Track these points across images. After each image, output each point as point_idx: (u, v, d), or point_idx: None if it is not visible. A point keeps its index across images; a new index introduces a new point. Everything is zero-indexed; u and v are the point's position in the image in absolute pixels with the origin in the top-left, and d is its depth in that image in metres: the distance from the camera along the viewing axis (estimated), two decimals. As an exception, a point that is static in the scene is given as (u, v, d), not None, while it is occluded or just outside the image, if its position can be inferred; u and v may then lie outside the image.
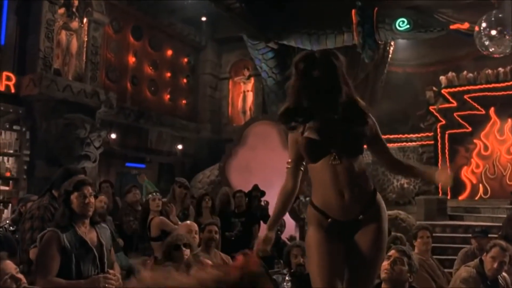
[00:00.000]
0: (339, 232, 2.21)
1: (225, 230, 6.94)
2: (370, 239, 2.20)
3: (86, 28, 8.96)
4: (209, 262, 4.05)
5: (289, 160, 2.34)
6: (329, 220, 2.20)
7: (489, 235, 7.91)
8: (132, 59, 10.90)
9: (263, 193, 7.64)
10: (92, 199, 3.14)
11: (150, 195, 5.17)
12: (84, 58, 8.91)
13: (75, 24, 8.71)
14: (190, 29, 12.58)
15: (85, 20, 8.90)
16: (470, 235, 9.02)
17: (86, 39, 8.95)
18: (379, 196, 2.30)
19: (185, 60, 12.83)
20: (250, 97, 13.47)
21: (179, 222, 5.02)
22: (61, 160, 7.74)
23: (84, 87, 8.46)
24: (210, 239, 4.59)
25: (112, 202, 7.05)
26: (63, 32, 8.84)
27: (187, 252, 3.59)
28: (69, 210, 3.07)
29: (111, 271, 3.09)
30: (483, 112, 11.52)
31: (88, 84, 8.74)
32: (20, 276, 2.62)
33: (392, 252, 2.97)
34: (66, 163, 7.88)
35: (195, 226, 4.29)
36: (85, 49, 8.92)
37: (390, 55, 11.94)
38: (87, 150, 8.03)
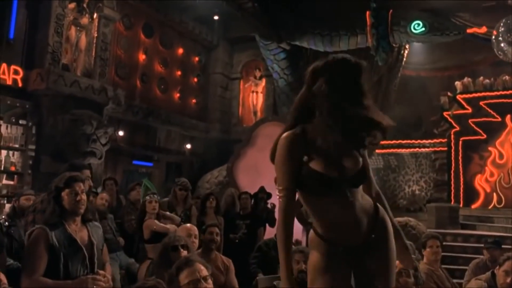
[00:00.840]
0: (348, 257, 2.01)
1: (229, 231, 6.82)
2: (381, 257, 2.02)
3: (96, 24, 8.89)
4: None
5: (281, 188, 1.99)
6: (339, 248, 2.01)
7: (503, 246, 7.69)
8: (142, 57, 10.82)
9: (269, 195, 7.48)
10: (84, 196, 3.01)
11: (147, 197, 5.04)
12: (93, 54, 8.83)
13: (85, 20, 8.64)
14: (202, 28, 12.48)
15: (95, 15, 8.81)
16: (482, 245, 8.82)
17: (96, 35, 8.87)
18: (382, 212, 2.11)
19: (196, 59, 12.73)
20: (260, 98, 13.34)
21: (173, 225, 4.86)
22: (66, 156, 7.64)
23: (92, 83, 8.38)
24: (211, 241, 4.46)
25: (116, 200, 6.96)
26: (73, 28, 8.78)
27: (184, 253, 3.44)
28: (59, 207, 2.95)
29: (101, 272, 2.96)
30: (499, 119, 11.28)
31: (97, 80, 8.66)
32: (1, 277, 2.49)
33: (397, 263, 2.78)
34: (71, 159, 7.77)
35: (195, 230, 4.14)
36: (94, 45, 8.85)
37: (404, 59, 11.72)
38: (93, 147, 7.94)
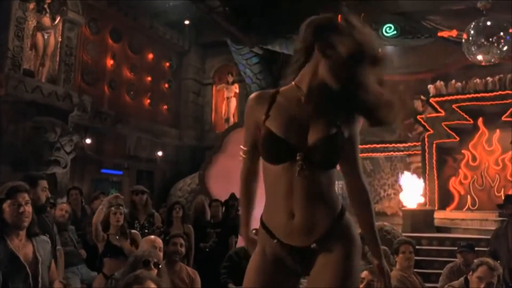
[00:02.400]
0: (289, 260, 1.70)
1: (200, 240, 6.60)
2: (330, 275, 1.62)
3: (60, 28, 8.58)
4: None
5: (245, 148, 1.82)
6: (275, 241, 1.69)
7: (476, 249, 7.63)
8: (110, 62, 10.51)
9: (241, 203, 7.26)
10: (28, 208, 2.76)
11: (112, 208, 4.77)
12: (57, 59, 8.50)
13: (46, 20, 8.31)
14: (173, 33, 12.24)
15: (58, 19, 8.51)
16: (457, 248, 8.84)
17: (60, 39, 8.56)
18: (347, 221, 1.73)
19: (167, 64, 12.47)
20: (233, 103, 13.15)
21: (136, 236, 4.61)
22: (28, 166, 7.32)
23: (56, 89, 8.07)
24: (175, 252, 4.22)
25: (80, 210, 6.66)
26: (39, 33, 8.48)
27: (154, 272, 3.17)
28: (0, 220, 2.68)
29: (46, 291, 2.70)
30: (471, 122, 11.35)
31: (61, 86, 8.34)
32: None
33: (364, 273, 2.61)
34: (33, 168, 7.48)
35: (160, 242, 3.88)
36: (59, 50, 8.53)
37: (377, 62, 11.63)
38: (57, 155, 7.62)
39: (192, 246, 6.39)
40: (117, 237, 4.67)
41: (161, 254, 3.77)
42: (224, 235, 6.72)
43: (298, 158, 1.61)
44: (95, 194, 6.27)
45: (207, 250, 6.57)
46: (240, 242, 6.87)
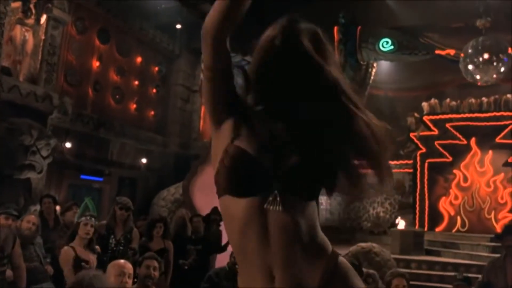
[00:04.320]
0: None
1: (179, 257, 6.25)
2: None
3: (44, 26, 8.17)
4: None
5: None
6: None
7: (468, 275, 7.32)
8: (96, 64, 10.09)
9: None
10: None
11: (83, 218, 4.38)
12: (39, 58, 8.09)
13: (31, 21, 7.90)
14: (163, 36, 11.88)
15: (43, 16, 8.10)
16: (448, 273, 8.55)
17: (43, 37, 8.15)
18: (344, 269, 1.28)
19: (156, 69, 12.08)
20: (223, 112, 12.79)
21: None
22: (1, 170, 6.89)
23: (35, 90, 7.64)
24: (148, 276, 3.84)
25: (53, 220, 6.23)
26: (18, 28, 8.05)
27: None
28: None
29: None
30: (465, 142, 11.23)
31: (41, 86, 7.92)
32: None
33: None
34: (6, 173, 7.05)
35: (129, 268, 3.47)
36: (41, 48, 8.11)
37: (372, 77, 11.45)
38: (32, 159, 7.18)
39: (170, 263, 6.05)
40: (85, 250, 4.30)
41: (129, 281, 3.38)
42: (204, 252, 6.38)
43: (275, 187, 1.20)
44: (67, 204, 5.84)
45: (186, 267, 6.23)
46: (220, 261, 6.52)
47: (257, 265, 1.21)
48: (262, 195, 1.20)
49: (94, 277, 2.91)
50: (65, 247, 4.22)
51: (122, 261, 3.58)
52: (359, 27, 10.13)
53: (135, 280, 3.91)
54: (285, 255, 1.19)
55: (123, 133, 10.55)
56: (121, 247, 5.35)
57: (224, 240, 6.54)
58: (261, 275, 1.20)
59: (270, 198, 1.19)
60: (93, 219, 4.52)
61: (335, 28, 10.12)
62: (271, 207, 1.19)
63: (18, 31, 7.99)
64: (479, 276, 7.19)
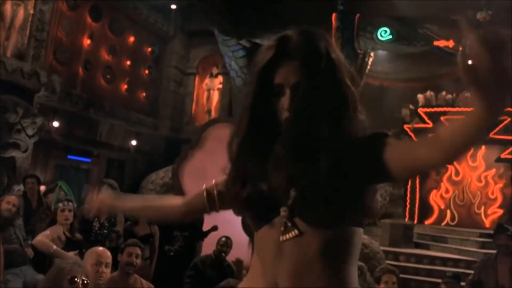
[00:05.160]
0: None
1: (165, 243, 6.15)
2: None
3: (33, 0, 7.89)
4: None
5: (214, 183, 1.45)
6: None
7: (456, 270, 7.28)
8: (87, 42, 9.82)
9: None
10: None
11: (60, 204, 4.23)
12: (27, 33, 7.82)
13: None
14: (158, 17, 11.59)
15: (32, -11, 7.83)
16: (436, 267, 8.53)
17: (32, 12, 7.87)
18: None
19: (149, 49, 11.82)
20: (216, 96, 12.58)
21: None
22: (-16, 147, 6.69)
23: (22, 66, 7.40)
24: (129, 264, 3.72)
25: (36, 201, 6.07)
26: (9, 3, 7.78)
27: None
28: None
29: None
30: (458, 136, 11.12)
31: (29, 63, 7.67)
32: None
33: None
34: (-11, 150, 6.86)
35: (107, 257, 3.32)
36: (29, 23, 7.84)
37: (368, 66, 11.28)
38: (17, 138, 6.98)
39: (156, 248, 5.97)
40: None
41: (108, 271, 3.23)
42: (191, 239, 6.28)
43: (282, 214, 1.13)
44: (50, 186, 5.68)
45: (172, 254, 6.13)
46: (206, 249, 6.41)
47: (264, 275, 1.17)
48: (272, 222, 1.16)
49: (74, 264, 2.77)
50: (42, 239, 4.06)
51: (100, 249, 3.43)
52: (358, 15, 9.93)
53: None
54: (293, 271, 1.12)
55: (113, 114, 10.33)
56: (105, 231, 5.26)
57: (206, 226, 6.41)
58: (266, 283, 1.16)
59: (282, 228, 1.12)
60: (70, 203, 4.37)
61: (333, 15, 9.91)
62: (284, 236, 1.12)
63: (8, 5, 7.72)
64: (467, 271, 7.18)
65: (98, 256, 3.26)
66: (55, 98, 8.22)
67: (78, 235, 4.47)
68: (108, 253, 3.36)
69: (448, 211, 11.37)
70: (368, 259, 7.31)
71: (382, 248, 8.40)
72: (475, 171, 11.32)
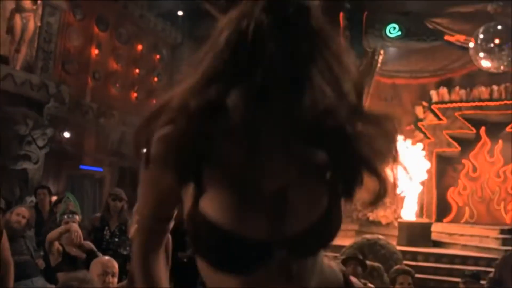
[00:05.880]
0: None
1: (178, 249, 6.08)
2: None
3: (40, 12, 7.95)
4: None
5: (137, 214, 1.12)
6: None
7: (476, 268, 7.09)
8: (94, 51, 9.86)
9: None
10: None
11: (64, 216, 4.21)
12: (35, 45, 7.88)
13: (26, 2, 7.67)
14: (165, 24, 11.61)
15: (39, 2, 7.88)
16: (455, 266, 8.33)
17: (39, 24, 7.93)
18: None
19: (157, 57, 11.84)
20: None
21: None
22: (-5, 160, 6.73)
23: (30, 78, 7.44)
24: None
25: (48, 213, 6.09)
26: (18, 16, 7.85)
27: None
28: None
29: None
30: (474, 131, 10.97)
31: (38, 75, 7.72)
32: None
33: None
34: (1, 163, 6.89)
35: (113, 266, 3.25)
36: (37, 35, 7.90)
37: (379, 64, 11.15)
38: (28, 149, 7.02)
39: (169, 256, 5.89)
40: (74, 249, 4.12)
41: (114, 280, 3.18)
42: (204, 245, 6.20)
43: (277, 256, 0.86)
44: (60, 196, 5.68)
45: (185, 260, 6.07)
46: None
47: None
48: (259, 268, 0.85)
49: (83, 281, 2.72)
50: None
51: (105, 258, 3.38)
52: (365, 13, 9.82)
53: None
54: None
55: (124, 122, 10.34)
56: (116, 239, 5.23)
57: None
58: None
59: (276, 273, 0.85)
60: (76, 216, 4.36)
61: (341, 14, 9.81)
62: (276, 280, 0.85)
63: (17, 18, 7.78)
64: (488, 269, 6.98)
65: (104, 266, 3.21)
66: (65, 109, 8.26)
67: (87, 244, 4.44)
68: (114, 262, 3.31)
69: (467, 208, 11.17)
70: (384, 260, 7.16)
71: (399, 248, 8.25)
72: (493, 166, 11.12)
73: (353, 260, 4.15)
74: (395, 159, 0.92)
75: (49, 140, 7.46)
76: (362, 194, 0.92)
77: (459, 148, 11.03)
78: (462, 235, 9.73)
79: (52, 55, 8.13)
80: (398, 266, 4.64)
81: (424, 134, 11.27)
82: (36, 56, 7.87)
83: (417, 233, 9.49)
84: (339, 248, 6.73)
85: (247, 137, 0.85)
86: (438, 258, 8.70)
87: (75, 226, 4.12)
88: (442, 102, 11.04)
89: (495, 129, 10.78)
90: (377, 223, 11.94)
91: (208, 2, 10.16)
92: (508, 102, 10.49)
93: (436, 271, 8.25)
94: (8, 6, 7.62)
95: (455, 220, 10.94)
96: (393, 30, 9.61)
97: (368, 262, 4.87)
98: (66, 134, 8.69)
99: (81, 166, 9.35)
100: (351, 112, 0.87)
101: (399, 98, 11.89)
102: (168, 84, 12.23)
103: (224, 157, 0.87)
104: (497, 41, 8.78)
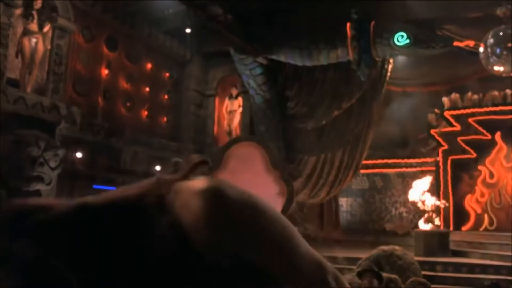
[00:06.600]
0: None
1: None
2: None
3: (49, 36, 8.07)
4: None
5: None
6: None
7: (498, 277, 6.90)
8: (105, 72, 9.97)
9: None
10: None
11: None
12: (46, 68, 7.98)
13: (33, 26, 7.79)
14: (173, 41, 11.71)
15: (48, 27, 8.00)
16: (475, 275, 8.11)
17: (49, 47, 8.05)
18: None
19: (167, 74, 11.92)
20: (237, 117, 12.53)
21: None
22: (8, 182, 6.77)
23: (42, 100, 7.53)
24: None
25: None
26: (27, 39, 7.97)
27: None
28: None
29: None
30: (489, 137, 10.80)
31: (49, 97, 7.80)
32: None
33: None
34: (14, 185, 6.94)
35: None
36: (47, 58, 8.01)
37: (388, 73, 11.07)
38: (40, 171, 7.06)
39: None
40: None
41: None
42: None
43: None
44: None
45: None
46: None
47: None
48: None
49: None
50: None
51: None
52: (373, 22, 9.77)
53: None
54: None
55: (135, 141, 10.39)
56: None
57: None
58: None
59: None
60: None
61: (348, 24, 9.79)
62: None
63: (25, 41, 7.90)
64: (510, 277, 6.79)
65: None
66: (76, 129, 8.33)
67: None
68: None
69: (486, 215, 10.95)
70: (402, 271, 7.01)
71: (417, 258, 8.07)
72: (510, 171, 10.91)
73: (369, 272, 4.07)
74: None
75: (61, 161, 7.50)
76: None
77: (474, 155, 10.87)
78: (481, 243, 9.51)
79: (63, 77, 8.22)
80: (413, 278, 4.52)
81: (438, 141, 11.14)
82: (47, 78, 7.97)
83: (435, 242, 9.29)
84: (355, 260, 6.62)
85: None
86: (458, 267, 8.48)
87: None
88: (455, 108, 10.92)
89: (510, 134, 10.60)
90: (393, 234, 11.78)
91: (214, 20, 10.25)
92: (523, 106, 10.35)
93: (455, 281, 8.02)
94: (18, 30, 7.75)
95: (474, 228, 10.72)
96: (401, 39, 9.53)
97: (384, 274, 4.77)
98: (78, 155, 8.74)
99: (94, 186, 9.37)
100: None
101: (410, 106, 11.80)
102: (178, 101, 12.31)
103: None
104: (507, 45, 8.65)
